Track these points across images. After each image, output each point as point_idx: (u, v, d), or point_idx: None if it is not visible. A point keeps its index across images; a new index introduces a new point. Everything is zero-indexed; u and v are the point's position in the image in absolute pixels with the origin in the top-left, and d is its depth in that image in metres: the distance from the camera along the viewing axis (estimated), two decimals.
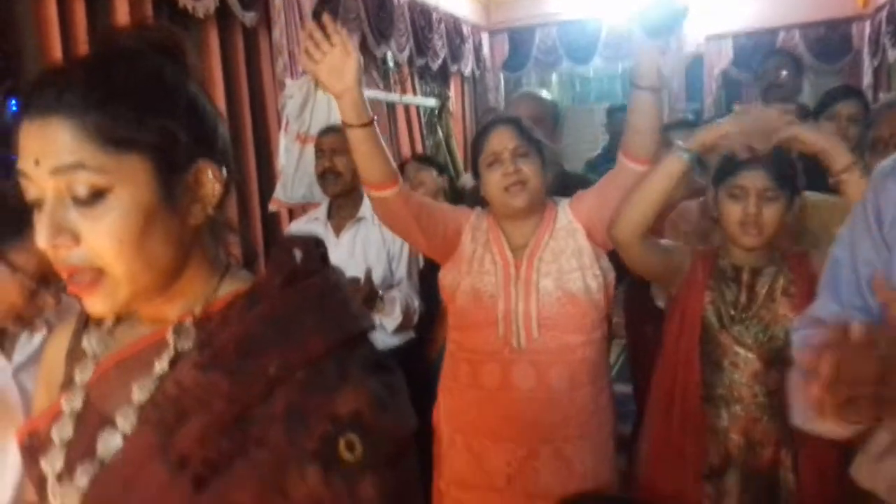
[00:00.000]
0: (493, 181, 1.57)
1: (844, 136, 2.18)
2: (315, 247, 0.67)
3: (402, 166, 2.81)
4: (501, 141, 1.57)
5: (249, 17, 2.88)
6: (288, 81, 2.93)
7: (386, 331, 2.20)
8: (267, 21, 3.06)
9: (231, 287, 0.67)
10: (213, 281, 0.68)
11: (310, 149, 2.61)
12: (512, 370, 1.56)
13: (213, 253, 0.69)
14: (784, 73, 2.68)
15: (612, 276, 1.61)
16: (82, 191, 0.57)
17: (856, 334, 0.67)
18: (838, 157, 1.35)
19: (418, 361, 2.41)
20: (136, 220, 0.59)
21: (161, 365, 0.63)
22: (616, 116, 4.23)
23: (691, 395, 1.50)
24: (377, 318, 2.17)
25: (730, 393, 1.47)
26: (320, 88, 2.93)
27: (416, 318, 2.25)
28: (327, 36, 1.39)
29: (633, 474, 1.84)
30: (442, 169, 2.74)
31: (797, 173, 1.47)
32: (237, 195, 2.73)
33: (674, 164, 1.43)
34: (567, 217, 1.60)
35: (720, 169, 1.53)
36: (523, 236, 1.61)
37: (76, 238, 0.58)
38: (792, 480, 1.43)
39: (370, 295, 2.07)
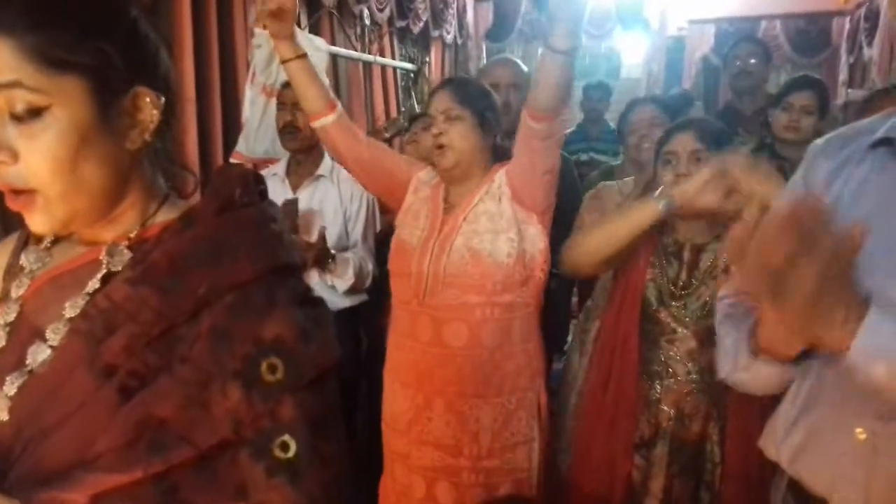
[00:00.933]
0: (428, 141, 1.68)
1: (796, 127, 2.22)
2: (254, 180, 0.69)
3: (413, 119, 2.77)
4: (436, 103, 1.64)
5: None
6: (257, 31, 2.86)
7: (337, 292, 2.20)
8: None
9: (168, 215, 0.69)
10: (150, 207, 0.70)
11: (275, 102, 2.57)
12: (417, 321, 1.62)
13: (152, 180, 0.71)
14: (753, 60, 2.69)
15: (541, 244, 1.60)
16: (20, 108, 0.59)
17: (782, 208, 0.67)
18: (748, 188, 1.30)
19: (368, 324, 2.43)
20: (72, 140, 0.60)
21: (93, 283, 0.64)
22: (591, 94, 4.23)
23: (628, 371, 1.53)
24: (329, 279, 2.18)
25: (664, 369, 1.51)
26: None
27: (368, 281, 2.25)
28: None
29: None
30: None
31: (727, 135, 1.48)
32: (200, 146, 2.70)
33: (649, 212, 1.41)
34: (500, 180, 1.62)
35: (658, 142, 1.56)
36: (461, 196, 1.64)
37: (14, 155, 0.60)
38: (718, 453, 1.47)
39: (322, 254, 2.07)
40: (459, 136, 1.60)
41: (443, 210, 1.64)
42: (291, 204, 2.10)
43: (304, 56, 1.59)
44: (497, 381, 1.59)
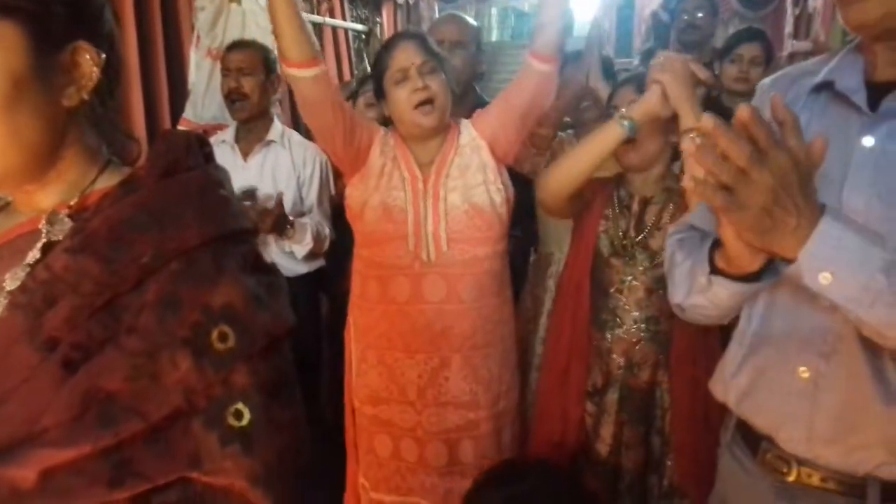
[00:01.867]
0: (402, 98, 1.55)
1: (746, 79, 2.25)
2: (198, 143, 0.67)
3: (362, 82, 2.69)
4: (408, 56, 1.55)
5: None
6: None
7: (296, 258, 2.18)
8: None
9: (110, 181, 0.67)
10: (91, 173, 0.67)
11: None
12: (422, 283, 1.58)
13: (91, 143, 0.68)
14: (700, 14, 2.71)
15: (511, 190, 1.64)
16: None
17: (743, 113, 0.66)
18: (686, 118, 1.39)
19: (329, 288, 2.42)
20: (4, 85, 0.58)
21: (33, 253, 0.62)
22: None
23: (580, 322, 1.58)
24: (287, 245, 2.15)
25: (614, 318, 1.55)
26: (234, 0, 2.81)
27: (326, 245, 2.24)
28: None
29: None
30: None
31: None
32: (146, 113, 2.60)
33: (612, 134, 1.44)
34: (470, 134, 1.61)
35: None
36: (429, 154, 1.62)
37: None
38: (667, 399, 1.53)
39: (280, 219, 2.05)
40: (442, 89, 1.55)
41: (418, 169, 1.60)
42: (249, 192, 2.04)
43: None
44: (500, 327, 1.65)
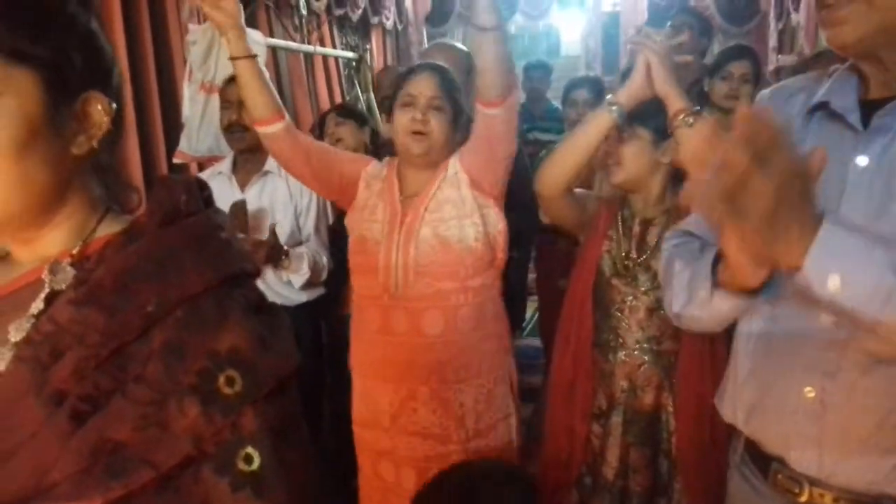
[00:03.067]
0: (402, 123, 1.60)
1: (736, 96, 2.27)
2: (197, 187, 0.68)
3: (322, 118, 2.72)
4: (422, 86, 1.60)
5: None
6: (191, 27, 2.78)
7: (294, 287, 2.18)
8: None
9: (110, 228, 0.67)
10: (92, 220, 0.67)
11: (215, 99, 2.51)
12: (390, 315, 1.60)
13: (94, 192, 0.69)
14: (686, 31, 2.73)
15: (500, 225, 1.63)
16: None
17: (744, 112, 0.64)
18: (673, 102, 1.38)
19: (329, 316, 2.41)
20: (18, 131, 0.59)
21: (37, 304, 0.62)
22: (532, 74, 4.24)
23: (583, 340, 1.58)
24: (284, 275, 2.15)
25: (616, 338, 1.55)
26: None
27: (324, 274, 2.24)
28: None
29: (536, 422, 1.93)
30: (364, 121, 2.61)
31: (656, 115, 1.46)
32: (141, 147, 2.61)
33: (602, 120, 1.46)
34: (455, 167, 1.63)
35: None
36: (418, 185, 1.64)
37: None
38: (672, 423, 1.52)
39: (275, 251, 2.04)
40: (439, 127, 1.59)
41: (400, 201, 1.62)
42: (240, 206, 2.05)
43: (254, 57, 1.53)
44: (476, 363, 1.62)
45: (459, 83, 2.12)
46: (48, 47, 0.60)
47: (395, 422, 1.62)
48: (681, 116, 1.34)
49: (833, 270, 0.69)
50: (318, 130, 2.58)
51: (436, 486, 1.35)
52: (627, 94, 1.44)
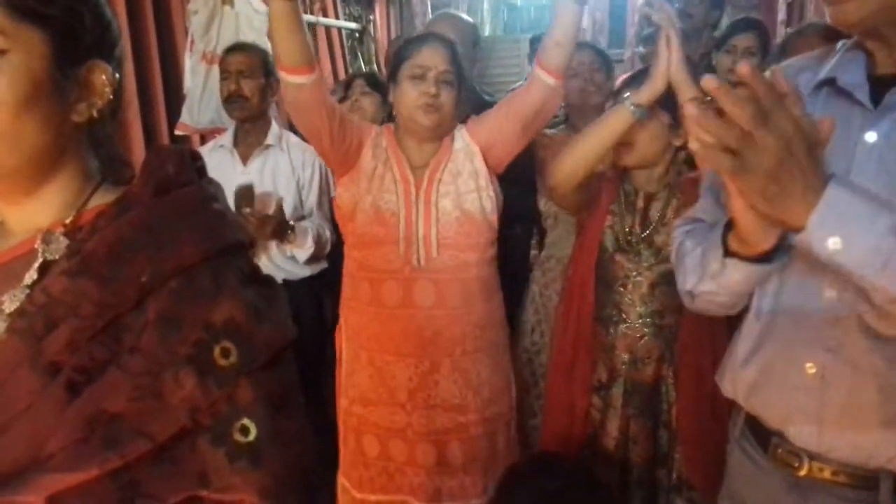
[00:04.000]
0: (411, 94, 1.56)
1: None
2: (190, 158, 0.67)
3: (349, 81, 2.68)
4: (434, 59, 1.57)
5: None
6: None
7: (298, 262, 2.18)
8: None
9: (104, 199, 0.66)
10: (85, 190, 0.67)
11: (216, 69, 2.48)
12: (413, 288, 1.58)
13: (89, 163, 0.68)
14: (695, 2, 2.68)
15: (501, 198, 1.64)
16: None
17: (745, 69, 0.65)
18: (685, 90, 1.40)
19: (331, 290, 2.41)
20: (22, 88, 0.59)
21: (30, 274, 0.62)
22: (538, 46, 4.18)
23: (584, 314, 1.58)
24: (288, 250, 2.15)
25: (618, 313, 1.55)
26: (227, 3, 2.80)
27: (328, 248, 2.23)
28: None
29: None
30: (386, 96, 2.56)
31: (672, 99, 1.47)
32: (143, 119, 2.60)
33: (621, 118, 1.45)
34: (464, 140, 1.62)
35: None
36: (422, 157, 1.62)
37: None
38: (672, 394, 1.53)
39: (281, 225, 2.04)
40: (450, 101, 1.57)
41: (411, 173, 1.61)
42: (247, 189, 2.03)
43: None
44: (490, 332, 1.65)
45: (465, 54, 2.11)
46: (60, 8, 0.61)
47: (412, 396, 1.60)
48: (693, 100, 1.33)
49: (835, 232, 0.70)
50: (343, 92, 2.55)
51: (514, 488, 1.37)
52: (650, 94, 1.43)
